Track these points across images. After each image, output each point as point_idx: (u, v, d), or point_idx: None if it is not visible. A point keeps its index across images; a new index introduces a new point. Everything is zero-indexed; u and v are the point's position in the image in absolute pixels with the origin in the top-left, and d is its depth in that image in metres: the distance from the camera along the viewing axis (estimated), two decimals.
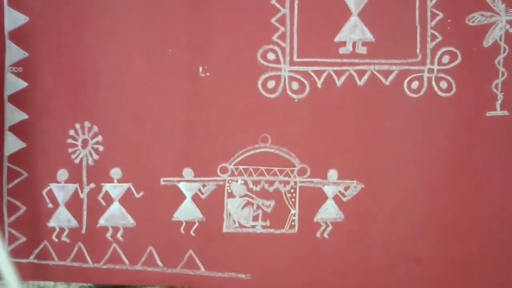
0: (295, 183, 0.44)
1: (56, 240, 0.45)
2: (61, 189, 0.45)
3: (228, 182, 0.44)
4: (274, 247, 0.44)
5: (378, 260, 0.43)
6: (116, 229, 0.45)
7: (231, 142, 0.44)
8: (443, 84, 0.43)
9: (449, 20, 0.43)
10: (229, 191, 0.44)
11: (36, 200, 0.45)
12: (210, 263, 0.44)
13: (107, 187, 0.45)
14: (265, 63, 0.44)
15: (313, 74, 0.44)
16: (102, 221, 0.45)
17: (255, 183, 0.44)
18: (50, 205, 0.45)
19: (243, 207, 0.44)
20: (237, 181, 0.44)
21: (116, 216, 0.45)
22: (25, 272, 0.45)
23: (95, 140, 0.45)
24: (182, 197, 0.44)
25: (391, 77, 0.43)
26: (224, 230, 0.44)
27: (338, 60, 0.44)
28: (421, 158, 0.43)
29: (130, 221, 0.45)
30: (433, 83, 0.43)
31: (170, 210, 0.44)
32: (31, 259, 0.45)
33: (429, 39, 0.43)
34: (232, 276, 0.44)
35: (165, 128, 0.44)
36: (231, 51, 0.44)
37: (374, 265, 0.43)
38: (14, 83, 0.45)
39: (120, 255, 0.45)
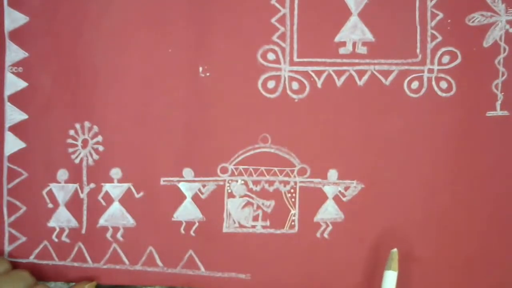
0: (295, 183, 0.44)
1: (56, 240, 0.45)
2: (61, 189, 0.45)
3: (228, 182, 0.44)
4: (274, 247, 0.44)
5: (378, 260, 0.43)
6: (116, 229, 0.45)
7: (231, 142, 0.44)
8: (443, 84, 0.43)
9: (449, 20, 0.43)
10: (229, 191, 0.44)
11: (36, 200, 0.45)
12: (210, 263, 0.44)
13: (107, 187, 0.45)
14: (265, 63, 0.44)
15: (313, 74, 0.44)
16: (102, 221, 0.45)
17: (255, 183, 0.44)
18: (50, 205, 0.45)
19: (243, 207, 0.44)
20: (237, 181, 0.44)
21: (116, 216, 0.45)
22: None
23: (95, 140, 0.45)
24: (182, 197, 0.44)
25: (391, 77, 0.43)
26: (224, 230, 0.44)
27: (338, 60, 0.44)
28: (421, 158, 0.43)
29: (130, 221, 0.45)
30: (433, 83, 0.43)
31: (170, 210, 0.44)
32: (31, 259, 0.45)
33: (429, 39, 0.43)
34: (232, 276, 0.44)
35: (165, 128, 0.44)
36: (231, 51, 0.44)
37: (374, 265, 0.43)
38: (14, 83, 0.45)
39: (120, 255, 0.45)
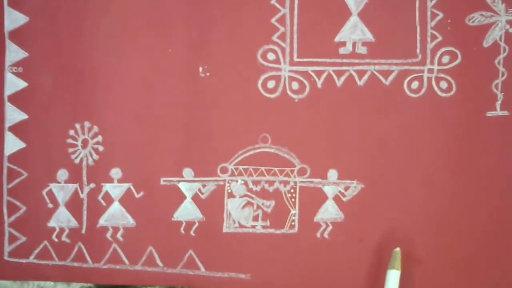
0: (295, 183, 0.44)
1: (56, 240, 0.45)
2: (61, 189, 0.45)
3: (228, 182, 0.44)
4: (274, 247, 0.44)
5: (378, 260, 0.43)
6: (116, 229, 0.45)
7: (231, 142, 0.44)
8: (443, 84, 0.43)
9: (449, 20, 0.43)
10: (229, 191, 0.44)
11: (36, 200, 0.45)
12: (210, 263, 0.44)
13: (107, 187, 0.45)
14: (265, 63, 0.44)
15: (313, 74, 0.44)
16: (102, 221, 0.45)
17: (255, 183, 0.44)
18: (50, 205, 0.45)
19: (243, 207, 0.44)
20: (237, 181, 0.44)
21: (116, 216, 0.45)
22: (25, 272, 0.45)
23: (95, 140, 0.45)
24: (182, 197, 0.44)
25: (391, 77, 0.43)
26: (224, 230, 0.44)
27: (338, 60, 0.44)
28: (421, 158, 0.43)
29: (130, 221, 0.45)
30: (433, 83, 0.43)
31: (170, 210, 0.44)
32: (31, 259, 0.45)
33: (429, 39, 0.43)
34: (232, 276, 0.44)
35: (165, 128, 0.44)
36: (231, 51, 0.44)
37: (374, 265, 0.43)
38: (14, 83, 0.45)
39: (120, 255, 0.45)
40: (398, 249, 0.41)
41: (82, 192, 0.45)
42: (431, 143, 0.43)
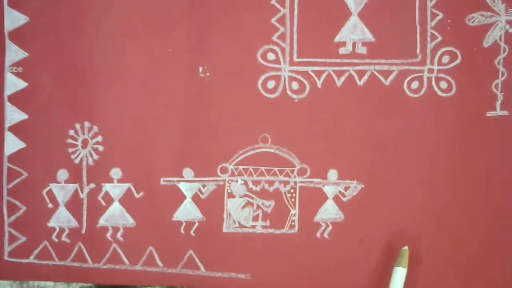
0: (295, 183, 0.44)
1: (56, 240, 0.45)
2: (61, 189, 0.45)
3: (228, 182, 0.44)
4: (274, 247, 0.44)
5: (378, 260, 0.43)
6: (116, 229, 0.45)
7: (231, 142, 0.44)
8: (443, 84, 0.43)
9: (449, 20, 0.43)
10: (229, 191, 0.44)
11: (36, 200, 0.45)
12: (210, 263, 0.44)
13: (107, 187, 0.45)
14: (265, 63, 0.44)
15: (313, 74, 0.44)
16: (102, 221, 0.45)
17: (255, 183, 0.44)
18: (50, 205, 0.45)
19: (243, 207, 0.44)
20: (237, 181, 0.44)
21: (116, 216, 0.45)
22: (25, 272, 0.45)
23: (95, 140, 0.45)
24: (182, 197, 0.44)
25: (391, 77, 0.43)
26: (224, 230, 0.44)
27: (338, 60, 0.44)
28: (421, 158, 0.43)
29: (130, 221, 0.45)
30: (433, 83, 0.43)
31: (170, 210, 0.44)
32: (31, 259, 0.45)
33: (429, 39, 0.43)
34: (232, 276, 0.44)
35: (165, 128, 0.44)
36: (231, 51, 0.44)
37: (374, 265, 0.43)
38: (14, 83, 0.45)
39: (120, 255, 0.45)
40: (406, 247, 0.41)
41: (82, 192, 0.45)
42: (431, 143, 0.43)
